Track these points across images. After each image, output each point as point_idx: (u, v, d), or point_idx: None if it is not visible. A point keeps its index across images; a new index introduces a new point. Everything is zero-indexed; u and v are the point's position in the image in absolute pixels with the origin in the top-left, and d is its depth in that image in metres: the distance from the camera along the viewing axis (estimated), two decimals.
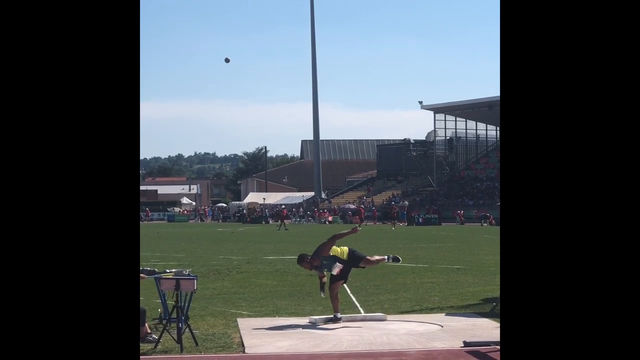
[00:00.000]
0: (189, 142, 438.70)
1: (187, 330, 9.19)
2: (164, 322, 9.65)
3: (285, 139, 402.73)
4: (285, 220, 57.44)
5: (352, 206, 76.09)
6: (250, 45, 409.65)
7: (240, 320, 11.01)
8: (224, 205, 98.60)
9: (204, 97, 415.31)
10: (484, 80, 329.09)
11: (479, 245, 30.71)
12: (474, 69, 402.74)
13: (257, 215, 76.38)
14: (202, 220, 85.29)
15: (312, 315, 11.35)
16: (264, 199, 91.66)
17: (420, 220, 63.20)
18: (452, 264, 21.27)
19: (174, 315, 9.30)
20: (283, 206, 75.03)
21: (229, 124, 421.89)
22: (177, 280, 9.32)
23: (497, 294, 10.47)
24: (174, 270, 11.12)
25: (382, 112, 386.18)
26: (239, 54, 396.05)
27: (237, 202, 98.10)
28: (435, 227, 55.85)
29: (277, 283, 16.60)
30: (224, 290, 15.26)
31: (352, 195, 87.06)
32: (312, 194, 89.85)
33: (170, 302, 9.71)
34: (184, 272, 10.49)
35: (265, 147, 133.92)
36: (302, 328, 10.43)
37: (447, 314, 11.58)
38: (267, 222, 72.09)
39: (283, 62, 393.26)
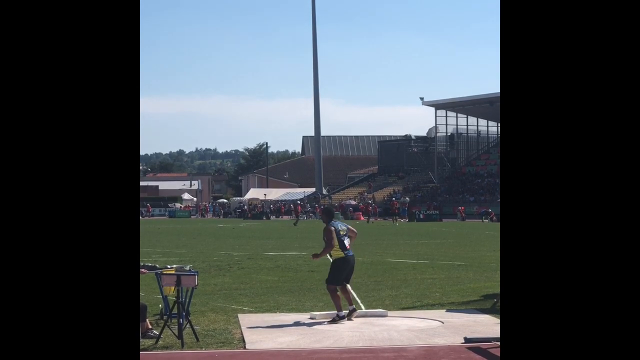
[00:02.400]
0: (190, 138, 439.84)
1: (188, 325, 9.21)
2: (165, 317, 9.66)
3: (286, 135, 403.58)
4: (286, 217, 57.49)
5: (353, 202, 76.07)
6: (252, 41, 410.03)
7: (241, 316, 11.02)
8: (225, 201, 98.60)
9: (205, 92, 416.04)
10: (485, 77, 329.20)
11: (479, 242, 30.70)
12: (475, 65, 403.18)
13: (258, 211, 76.44)
14: (203, 216, 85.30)
15: (313, 311, 11.36)
16: (265, 194, 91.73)
17: (421, 216, 63.14)
18: (453, 260, 21.27)
19: (175, 310, 9.32)
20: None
21: (230, 120, 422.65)
22: (178, 276, 9.34)
23: (498, 290, 10.46)
24: (175, 266, 11.14)
25: (383, 108, 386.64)
26: (241, 50, 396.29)
27: (238, 198, 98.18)
28: (436, 223, 55.83)
29: (278, 279, 16.60)
30: (224, 286, 15.27)
31: (353, 191, 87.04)
32: (313, 189, 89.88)
33: (171, 298, 9.72)
34: (185, 267, 10.50)
35: (267, 143, 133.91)
36: (303, 324, 10.44)
37: (447, 310, 11.59)
38: (268, 218, 72.10)
39: (284, 58, 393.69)
